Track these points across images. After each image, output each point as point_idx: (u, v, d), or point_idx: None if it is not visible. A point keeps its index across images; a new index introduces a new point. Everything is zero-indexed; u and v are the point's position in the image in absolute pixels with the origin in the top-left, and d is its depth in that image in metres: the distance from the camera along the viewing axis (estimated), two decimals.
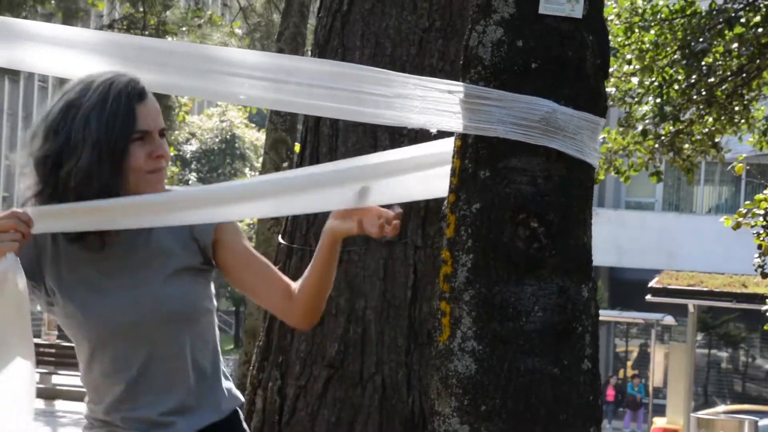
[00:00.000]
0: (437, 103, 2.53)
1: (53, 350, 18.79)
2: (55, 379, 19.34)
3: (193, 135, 38.79)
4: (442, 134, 2.63)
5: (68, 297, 2.47)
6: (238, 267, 2.55)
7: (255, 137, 38.63)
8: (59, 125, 2.40)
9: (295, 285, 2.59)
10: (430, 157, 2.70)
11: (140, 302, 2.45)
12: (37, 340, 22.06)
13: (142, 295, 2.46)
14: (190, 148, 39.13)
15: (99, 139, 2.38)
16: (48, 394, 18.92)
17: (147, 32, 14.12)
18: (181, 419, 2.49)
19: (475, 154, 2.49)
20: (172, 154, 18.44)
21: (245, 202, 2.54)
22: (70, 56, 2.61)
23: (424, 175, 2.71)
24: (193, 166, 38.85)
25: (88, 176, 2.37)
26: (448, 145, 2.65)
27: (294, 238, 4.02)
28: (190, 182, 36.32)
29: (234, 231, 2.58)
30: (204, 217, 2.50)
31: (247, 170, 38.00)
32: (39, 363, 19.18)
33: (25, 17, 14.25)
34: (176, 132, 19.55)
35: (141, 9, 14.68)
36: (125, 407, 2.48)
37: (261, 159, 12.93)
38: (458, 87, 2.51)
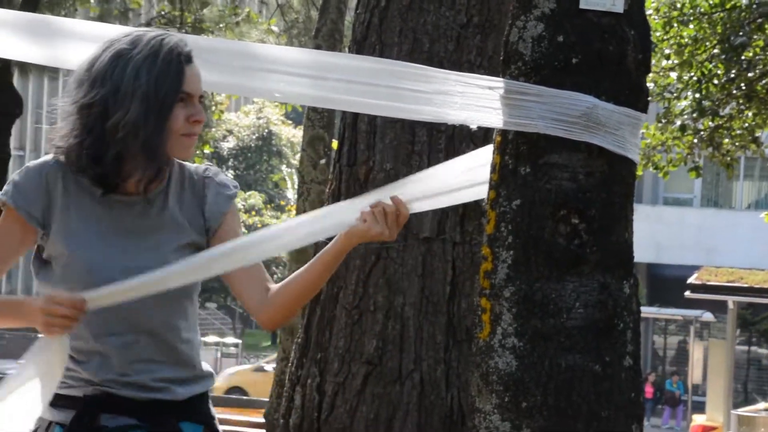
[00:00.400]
0: (477, 99, 2.52)
1: None
2: None
3: (230, 132, 38.94)
4: (475, 140, 2.63)
5: (74, 250, 2.42)
6: None
7: (292, 134, 38.73)
8: (107, 73, 2.38)
9: (275, 285, 2.55)
10: (466, 169, 2.70)
11: (148, 269, 2.42)
12: None
13: (150, 262, 2.43)
14: (227, 145, 39.29)
15: (148, 92, 2.36)
16: None
17: (184, 30, 14.18)
18: (173, 386, 2.47)
19: (516, 150, 2.48)
20: (207, 151, 18.49)
21: (286, 236, 2.55)
22: None
23: (463, 182, 2.70)
24: (230, 163, 39.01)
25: (136, 129, 2.36)
26: (482, 157, 2.65)
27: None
28: None
29: (237, 221, 2.57)
30: (250, 258, 2.50)
31: (283, 167, 38.10)
32: None
33: (65, 15, 14.36)
34: (213, 129, 19.61)
35: (178, 7, 14.75)
36: (116, 371, 2.44)
37: (298, 156, 12.97)
38: (498, 83, 2.50)
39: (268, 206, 36.33)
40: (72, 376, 2.46)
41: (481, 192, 2.63)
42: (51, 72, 18.09)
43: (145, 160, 2.38)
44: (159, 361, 2.46)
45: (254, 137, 39.73)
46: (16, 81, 12.20)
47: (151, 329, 2.46)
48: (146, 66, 2.37)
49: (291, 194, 34.39)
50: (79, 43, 2.66)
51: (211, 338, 30.37)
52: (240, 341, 31.62)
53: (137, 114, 2.35)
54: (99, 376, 2.44)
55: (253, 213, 35.31)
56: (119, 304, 2.41)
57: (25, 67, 14.21)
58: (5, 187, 2.45)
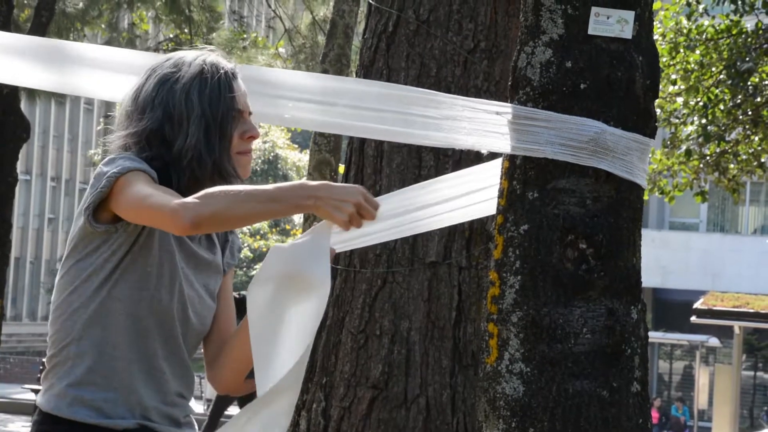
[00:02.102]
0: (485, 124, 2.53)
1: None
2: None
3: None
4: (480, 156, 2.64)
5: (147, 257, 2.29)
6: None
7: (297, 158, 38.76)
8: (155, 100, 2.28)
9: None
10: (472, 182, 2.71)
11: (198, 310, 2.37)
12: None
13: (201, 302, 2.39)
14: None
15: (204, 113, 2.28)
16: None
17: None
18: (192, 422, 2.39)
19: (524, 175, 2.48)
20: None
21: None
22: (120, 78, 2.63)
23: (468, 200, 2.71)
24: None
25: (199, 153, 2.27)
26: (487, 169, 2.66)
27: (338, 259, 4.02)
28: None
29: (231, 276, 2.53)
30: None
31: None
32: None
33: (73, 39, 14.41)
34: None
35: (186, 31, 14.81)
36: (160, 399, 2.30)
37: (304, 180, 12.97)
38: (506, 108, 2.51)
39: (274, 230, 36.34)
40: (113, 399, 2.26)
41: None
42: (58, 97, 18.15)
43: (222, 183, 2.27)
44: (186, 397, 2.37)
45: (260, 161, 39.78)
46: (23, 105, 12.24)
47: (186, 359, 2.36)
48: (196, 87, 2.29)
49: (297, 218, 34.43)
50: (88, 69, 2.66)
51: None
52: None
53: (197, 138, 2.27)
54: (149, 402, 2.29)
55: (258, 237, 35.30)
56: (187, 321, 2.35)
57: (32, 92, 14.26)
58: (130, 165, 2.24)
